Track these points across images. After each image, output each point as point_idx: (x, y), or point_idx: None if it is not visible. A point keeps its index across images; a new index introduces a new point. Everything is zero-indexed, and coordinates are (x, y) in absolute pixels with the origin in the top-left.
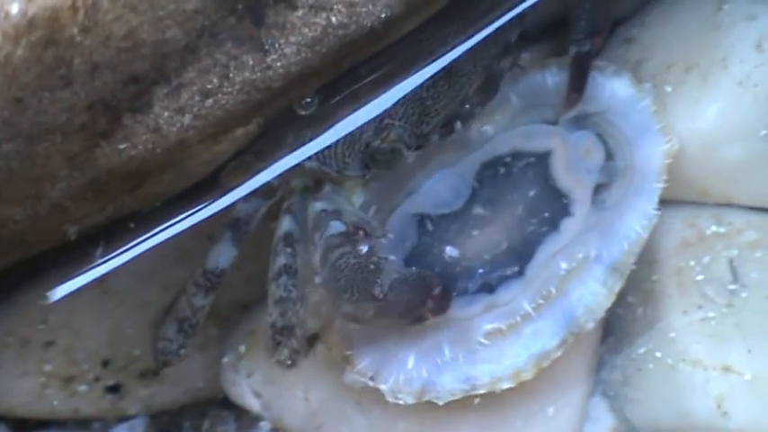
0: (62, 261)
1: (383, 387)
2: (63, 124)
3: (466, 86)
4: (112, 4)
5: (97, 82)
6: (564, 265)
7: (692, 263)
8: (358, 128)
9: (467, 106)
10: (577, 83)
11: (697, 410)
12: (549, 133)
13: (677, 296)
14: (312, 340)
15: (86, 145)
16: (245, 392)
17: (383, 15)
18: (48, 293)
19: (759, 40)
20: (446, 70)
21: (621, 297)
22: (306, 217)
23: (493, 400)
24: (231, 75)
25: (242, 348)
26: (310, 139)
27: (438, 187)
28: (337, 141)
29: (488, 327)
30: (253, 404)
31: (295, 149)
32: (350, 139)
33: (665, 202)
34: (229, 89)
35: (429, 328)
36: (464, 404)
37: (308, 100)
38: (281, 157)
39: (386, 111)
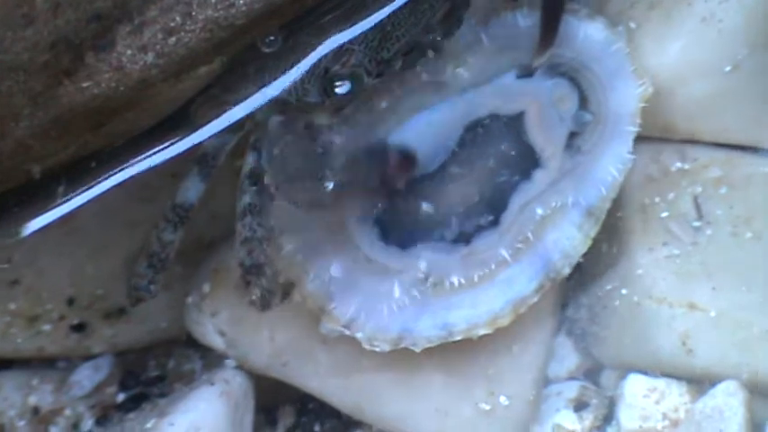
0: (26, 199)
1: (359, 336)
2: (26, 63)
3: (428, 14)
4: None
5: (60, 20)
6: (540, 211)
7: (656, 199)
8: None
9: (430, 36)
10: (549, 28)
11: (662, 347)
12: (523, 93)
13: (642, 233)
14: (288, 288)
15: (49, 83)
16: (210, 331)
17: None
18: (12, 231)
19: None
20: None
21: None
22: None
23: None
24: (194, 13)
25: (206, 287)
26: (274, 77)
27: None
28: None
29: (466, 275)
30: (217, 343)
31: (260, 87)
32: (310, 65)
33: None
34: (192, 27)
35: (405, 274)
36: None
37: (272, 38)
38: (246, 96)
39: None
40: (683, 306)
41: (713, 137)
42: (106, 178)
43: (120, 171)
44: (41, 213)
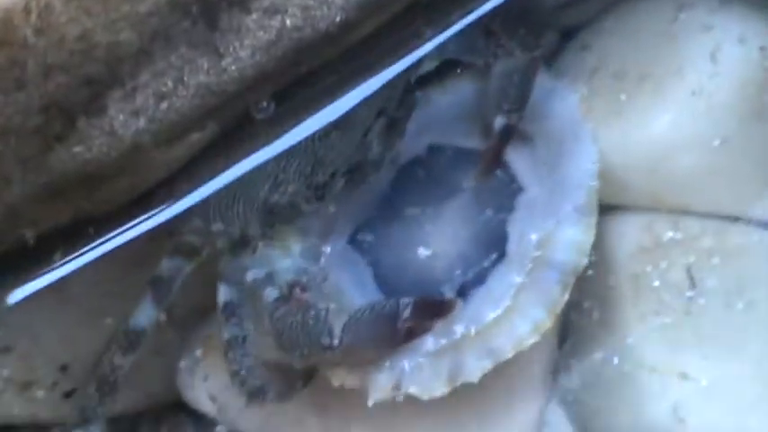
0: (20, 265)
1: (413, 390)
2: (17, 126)
3: (360, 133)
4: (65, 6)
5: (51, 84)
6: (534, 237)
7: (648, 269)
8: (255, 186)
9: (371, 153)
10: (496, 154)
11: (654, 417)
12: None
13: (634, 302)
14: (309, 373)
15: (41, 148)
16: (201, 396)
17: (338, 19)
18: (5, 297)
19: (713, 51)
20: (339, 121)
21: (577, 303)
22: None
23: (448, 404)
24: (186, 78)
25: (198, 352)
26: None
27: None
28: (237, 201)
29: (494, 313)
30: (209, 408)
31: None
32: (249, 197)
33: (620, 208)
34: (184, 93)
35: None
36: (418, 406)
37: (264, 104)
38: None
39: (279, 168)
40: (674, 375)
41: (704, 208)
42: (101, 243)
43: (114, 237)
44: (36, 279)
